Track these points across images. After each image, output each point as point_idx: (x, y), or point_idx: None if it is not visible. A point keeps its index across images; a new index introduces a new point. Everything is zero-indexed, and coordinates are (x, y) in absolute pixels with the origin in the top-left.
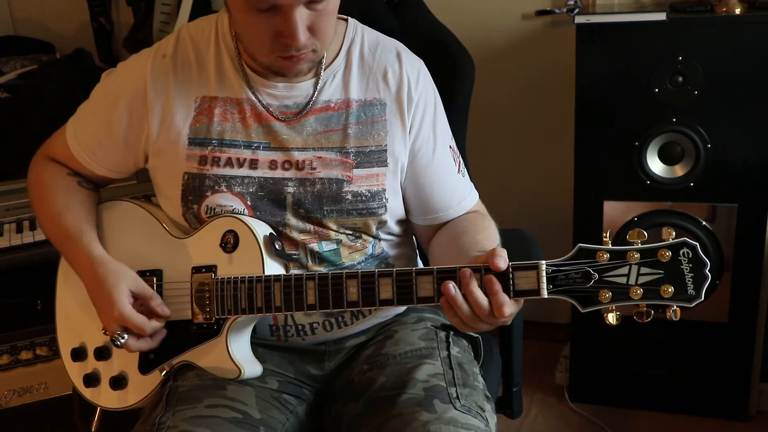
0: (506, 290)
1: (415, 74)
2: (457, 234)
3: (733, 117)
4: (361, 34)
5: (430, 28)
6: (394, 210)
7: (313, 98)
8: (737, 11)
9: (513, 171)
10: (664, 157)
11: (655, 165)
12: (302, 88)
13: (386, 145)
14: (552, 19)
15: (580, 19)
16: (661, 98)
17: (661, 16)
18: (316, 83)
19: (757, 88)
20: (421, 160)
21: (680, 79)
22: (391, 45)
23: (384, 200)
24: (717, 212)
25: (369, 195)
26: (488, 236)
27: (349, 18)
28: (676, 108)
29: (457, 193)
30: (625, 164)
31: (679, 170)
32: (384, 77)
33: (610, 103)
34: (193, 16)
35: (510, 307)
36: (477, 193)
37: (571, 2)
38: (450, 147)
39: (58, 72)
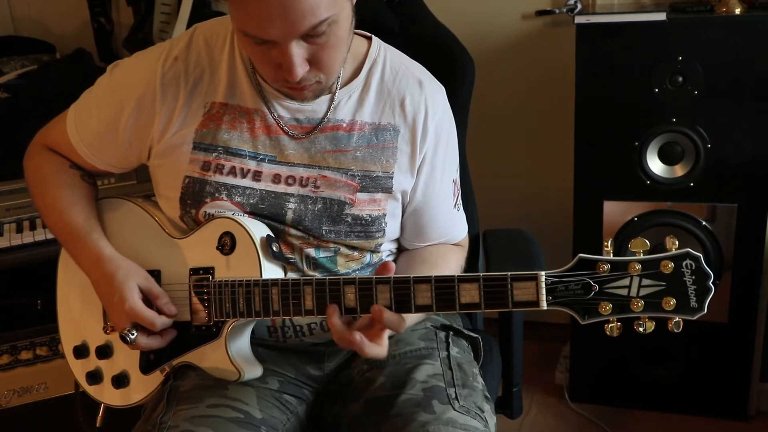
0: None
1: (434, 104)
2: (414, 260)
3: (733, 117)
4: (384, 56)
5: (430, 28)
6: (391, 233)
7: (326, 116)
8: (737, 11)
9: (513, 171)
10: (664, 157)
11: (655, 165)
12: (316, 103)
13: (393, 172)
14: (552, 19)
15: (580, 19)
16: (661, 98)
17: (661, 16)
18: (331, 101)
19: (757, 88)
20: (426, 191)
21: (680, 79)
22: (415, 70)
23: (383, 224)
24: (717, 212)
25: (369, 219)
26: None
27: (373, 37)
28: (676, 108)
29: (448, 227)
30: (625, 164)
31: (679, 170)
32: (401, 104)
33: (610, 103)
34: (192, 16)
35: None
36: (466, 228)
37: (571, 2)
38: (453, 181)
39: (58, 72)
